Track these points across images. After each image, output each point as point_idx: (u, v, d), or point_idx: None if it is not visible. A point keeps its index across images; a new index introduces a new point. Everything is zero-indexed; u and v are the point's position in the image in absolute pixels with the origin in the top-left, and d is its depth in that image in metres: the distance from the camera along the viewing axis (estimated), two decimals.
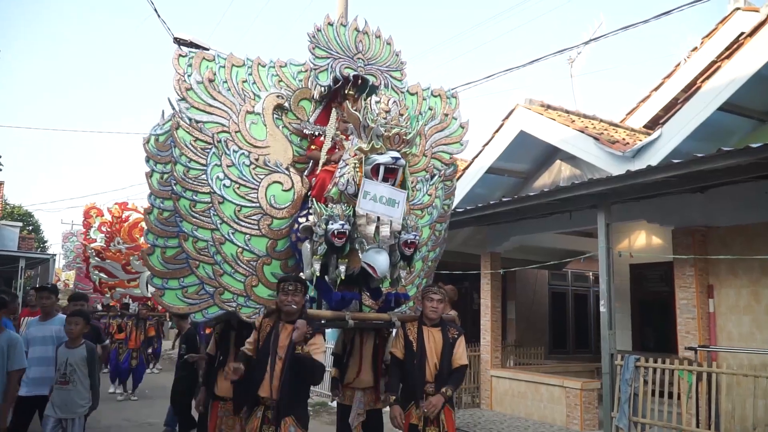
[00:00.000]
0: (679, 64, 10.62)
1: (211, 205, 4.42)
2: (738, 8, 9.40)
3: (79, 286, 19.07)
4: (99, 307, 15.53)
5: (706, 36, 9.81)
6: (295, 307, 4.01)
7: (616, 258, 7.84)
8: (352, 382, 4.95)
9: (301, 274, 4.54)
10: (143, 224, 13.40)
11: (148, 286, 12.70)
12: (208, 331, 11.28)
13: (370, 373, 4.94)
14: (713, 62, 8.78)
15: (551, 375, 9.44)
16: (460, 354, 4.53)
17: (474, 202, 9.79)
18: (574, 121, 9.81)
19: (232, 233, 4.49)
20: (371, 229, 4.20)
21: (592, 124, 10.11)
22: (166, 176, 4.61)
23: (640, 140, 8.38)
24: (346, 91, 5.11)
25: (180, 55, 4.54)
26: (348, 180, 4.29)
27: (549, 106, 10.37)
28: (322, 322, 4.40)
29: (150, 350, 13.15)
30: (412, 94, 5.51)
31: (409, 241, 4.42)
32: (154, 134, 4.99)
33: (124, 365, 10.95)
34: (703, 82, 7.68)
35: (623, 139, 9.02)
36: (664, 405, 6.39)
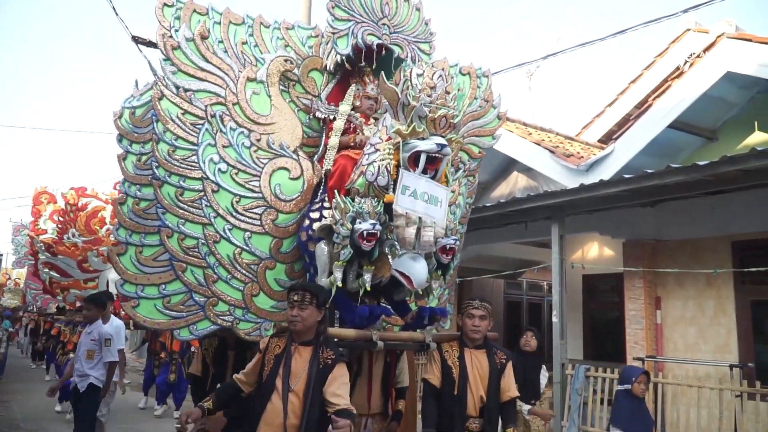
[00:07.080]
0: (633, 81, 10.93)
1: (203, 193, 3.64)
2: (689, 29, 9.72)
3: (31, 285, 16.60)
4: (54, 308, 13.68)
5: (659, 54, 10.11)
6: (300, 324, 3.07)
7: (569, 269, 7.98)
8: (360, 408, 3.88)
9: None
10: (104, 213, 12.34)
11: (110, 286, 11.50)
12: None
13: (381, 397, 4.05)
14: (664, 81, 9.05)
15: None
16: (510, 384, 3.72)
17: None
18: (531, 133, 9.99)
19: (229, 229, 3.69)
20: (411, 231, 3.44)
21: (549, 137, 10.33)
22: (144, 158, 3.82)
23: (595, 154, 8.60)
24: (362, 64, 4.24)
25: (165, 5, 3.68)
26: (379, 169, 3.50)
27: (507, 119, 10.51)
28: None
29: None
30: None
31: (448, 246, 3.67)
32: (129, 107, 4.12)
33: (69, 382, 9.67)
34: (654, 99, 7.93)
35: (578, 152, 9.23)
36: None
